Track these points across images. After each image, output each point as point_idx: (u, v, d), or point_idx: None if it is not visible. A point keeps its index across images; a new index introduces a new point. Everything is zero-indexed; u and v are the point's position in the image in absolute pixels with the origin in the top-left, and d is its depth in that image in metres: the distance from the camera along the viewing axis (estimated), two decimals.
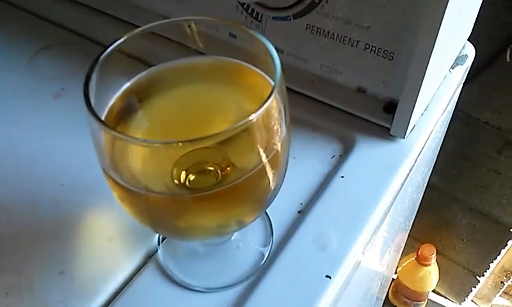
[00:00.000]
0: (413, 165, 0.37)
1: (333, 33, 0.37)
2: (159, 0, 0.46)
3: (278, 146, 0.23)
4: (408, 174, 0.37)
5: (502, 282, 1.12)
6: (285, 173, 0.25)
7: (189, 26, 0.25)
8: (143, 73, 0.26)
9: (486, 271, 1.07)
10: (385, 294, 1.11)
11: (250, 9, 0.39)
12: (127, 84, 0.25)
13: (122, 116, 0.25)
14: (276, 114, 0.21)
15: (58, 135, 0.39)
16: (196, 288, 0.29)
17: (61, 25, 0.51)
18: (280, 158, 0.23)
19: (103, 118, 0.23)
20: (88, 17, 0.50)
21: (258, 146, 0.21)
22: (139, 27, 0.24)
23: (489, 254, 1.03)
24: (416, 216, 0.77)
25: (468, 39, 0.46)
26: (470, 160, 0.89)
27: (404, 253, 1.10)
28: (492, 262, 1.04)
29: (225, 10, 0.41)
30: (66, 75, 0.45)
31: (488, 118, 0.81)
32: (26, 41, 0.49)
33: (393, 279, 1.20)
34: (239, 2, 0.40)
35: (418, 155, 0.38)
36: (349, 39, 0.36)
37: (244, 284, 0.30)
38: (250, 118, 0.19)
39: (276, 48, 0.22)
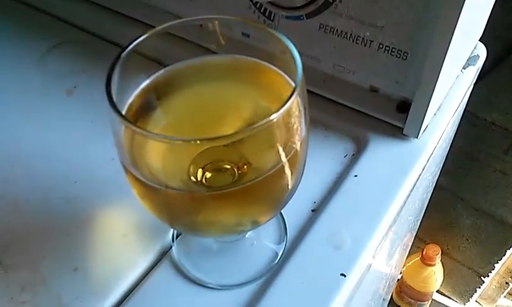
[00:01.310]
0: (426, 165, 0.37)
1: (346, 32, 0.37)
2: (170, 0, 0.46)
3: (298, 146, 0.23)
4: (420, 174, 0.37)
5: (507, 283, 1.12)
6: (303, 172, 0.25)
7: (212, 24, 0.25)
8: (161, 71, 0.26)
9: (490, 272, 1.07)
10: (390, 294, 1.11)
11: (263, 8, 0.39)
12: (146, 82, 0.25)
13: (140, 114, 0.25)
14: (296, 113, 0.21)
15: (71, 132, 0.39)
16: (210, 285, 0.30)
17: (72, 24, 0.51)
18: (298, 158, 0.23)
19: None
20: (99, 16, 0.51)
21: (278, 145, 0.21)
22: (150, 25, 0.24)
23: (494, 254, 1.02)
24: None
25: None
26: (477, 160, 0.88)
27: (409, 253, 1.10)
28: (497, 263, 1.03)
29: (238, 9, 0.41)
30: (78, 73, 0.45)
31: (495, 119, 0.81)
32: (38, 39, 0.49)
33: (397, 279, 1.20)
34: (252, 2, 0.40)
35: (431, 155, 0.38)
36: (363, 38, 0.36)
37: (258, 282, 0.30)
38: (271, 117, 0.19)
39: None
